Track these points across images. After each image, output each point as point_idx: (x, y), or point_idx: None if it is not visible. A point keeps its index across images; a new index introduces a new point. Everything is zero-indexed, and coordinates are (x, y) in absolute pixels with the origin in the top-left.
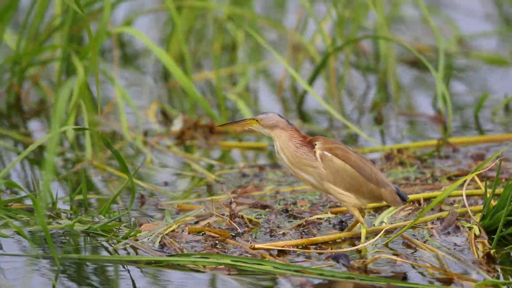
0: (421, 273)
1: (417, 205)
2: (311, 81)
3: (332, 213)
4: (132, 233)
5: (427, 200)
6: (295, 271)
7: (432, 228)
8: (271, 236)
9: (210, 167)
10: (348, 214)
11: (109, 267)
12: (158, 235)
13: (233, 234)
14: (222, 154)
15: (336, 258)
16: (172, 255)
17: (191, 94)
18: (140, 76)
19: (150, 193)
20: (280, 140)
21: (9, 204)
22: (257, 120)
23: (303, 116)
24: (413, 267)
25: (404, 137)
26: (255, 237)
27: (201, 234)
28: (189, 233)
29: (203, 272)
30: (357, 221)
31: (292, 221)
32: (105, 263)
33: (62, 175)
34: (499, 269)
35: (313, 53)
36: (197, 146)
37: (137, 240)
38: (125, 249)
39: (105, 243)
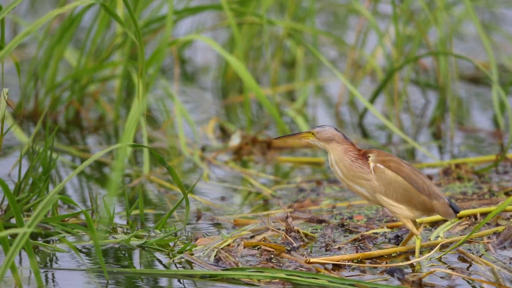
0: None
1: (473, 219)
2: (373, 98)
3: (388, 227)
4: (188, 248)
5: (484, 214)
6: (349, 285)
7: (488, 242)
8: (326, 250)
9: (267, 182)
10: (404, 229)
11: (164, 282)
12: (214, 249)
13: (289, 249)
14: (279, 169)
15: (390, 272)
16: (227, 269)
17: (266, 106)
18: (199, 92)
19: (207, 208)
20: (335, 153)
21: (66, 219)
22: (313, 133)
23: (363, 131)
24: (468, 281)
25: (462, 152)
26: (310, 252)
27: (256, 248)
28: (244, 247)
29: (258, 286)
30: (411, 234)
31: (348, 236)
32: (159, 277)
33: (120, 191)
34: None
35: (376, 68)
36: (255, 161)
37: (192, 254)
38: (180, 263)
39: (160, 258)
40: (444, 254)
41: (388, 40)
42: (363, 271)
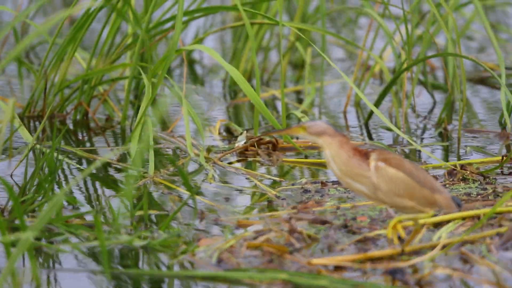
0: None
1: (477, 220)
2: (380, 99)
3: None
4: (190, 248)
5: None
6: (351, 286)
7: (490, 243)
8: (329, 251)
9: (272, 183)
10: (406, 230)
11: (166, 282)
12: (216, 250)
13: (291, 250)
14: (284, 170)
15: (392, 273)
16: (228, 270)
17: (257, 106)
18: (208, 93)
19: (210, 209)
20: (330, 147)
21: (70, 220)
22: (304, 128)
23: (368, 132)
24: (469, 282)
25: (468, 154)
26: (313, 253)
27: (259, 249)
28: (247, 248)
29: (259, 287)
30: (414, 235)
31: (351, 237)
32: (161, 278)
33: (124, 191)
34: None
35: (384, 69)
36: (260, 163)
37: (194, 255)
38: (182, 264)
39: (163, 259)
40: (446, 251)
41: (397, 42)
42: (365, 272)
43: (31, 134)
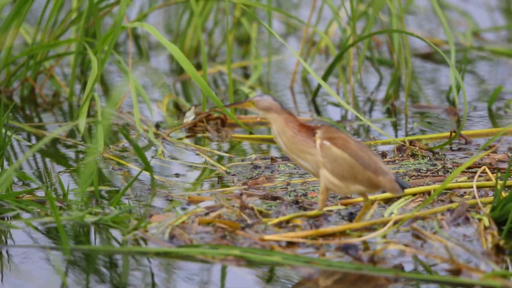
0: (430, 264)
1: (427, 196)
2: (326, 75)
3: (342, 204)
4: (142, 225)
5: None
6: (303, 262)
7: (442, 219)
8: (281, 227)
9: (221, 159)
10: (358, 206)
11: (119, 258)
12: (168, 227)
13: (243, 226)
14: (233, 146)
15: (345, 249)
16: (181, 246)
17: (200, 85)
18: (154, 69)
19: (161, 185)
20: (276, 124)
21: (21, 196)
22: (252, 103)
23: (316, 108)
24: (422, 258)
25: (416, 129)
26: (265, 229)
27: (211, 225)
28: (199, 225)
29: (212, 263)
30: (364, 211)
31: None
32: (114, 254)
33: (74, 167)
34: (508, 260)
35: (330, 45)
36: (209, 139)
37: (147, 231)
38: (135, 240)
39: (115, 235)
40: (398, 227)
41: (343, 17)
42: (317, 248)
43: None
